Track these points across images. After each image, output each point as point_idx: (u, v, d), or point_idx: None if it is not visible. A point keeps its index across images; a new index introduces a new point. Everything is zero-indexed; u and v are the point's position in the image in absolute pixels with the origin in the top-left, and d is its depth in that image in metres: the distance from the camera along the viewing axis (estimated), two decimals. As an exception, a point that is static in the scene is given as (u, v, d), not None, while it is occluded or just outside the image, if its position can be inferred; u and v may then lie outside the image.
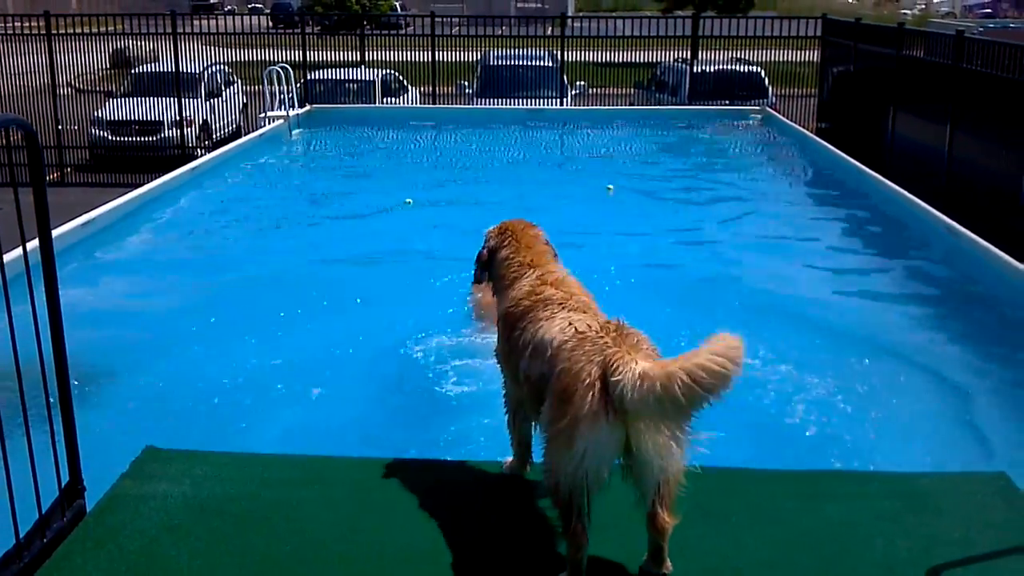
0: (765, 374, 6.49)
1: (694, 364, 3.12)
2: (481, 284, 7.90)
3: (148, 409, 6.00)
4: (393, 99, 20.81)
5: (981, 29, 30.31)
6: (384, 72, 21.09)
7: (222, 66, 22.08)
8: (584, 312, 3.79)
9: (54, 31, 18.71)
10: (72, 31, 19.56)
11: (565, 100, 19.65)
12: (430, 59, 20.04)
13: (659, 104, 20.50)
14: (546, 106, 19.07)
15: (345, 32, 24.63)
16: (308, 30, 21.55)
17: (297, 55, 20.07)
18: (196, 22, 22.55)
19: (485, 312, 7.31)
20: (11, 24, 19.41)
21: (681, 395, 3.10)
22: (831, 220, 11.36)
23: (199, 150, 18.67)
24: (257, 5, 51.83)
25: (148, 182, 11.78)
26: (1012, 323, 7.75)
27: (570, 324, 3.65)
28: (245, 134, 17.17)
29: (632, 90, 22.50)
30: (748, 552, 3.71)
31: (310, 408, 6.14)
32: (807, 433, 5.77)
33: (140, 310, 7.95)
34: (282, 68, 16.44)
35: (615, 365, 3.24)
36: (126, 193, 11.04)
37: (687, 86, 19.67)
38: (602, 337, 3.42)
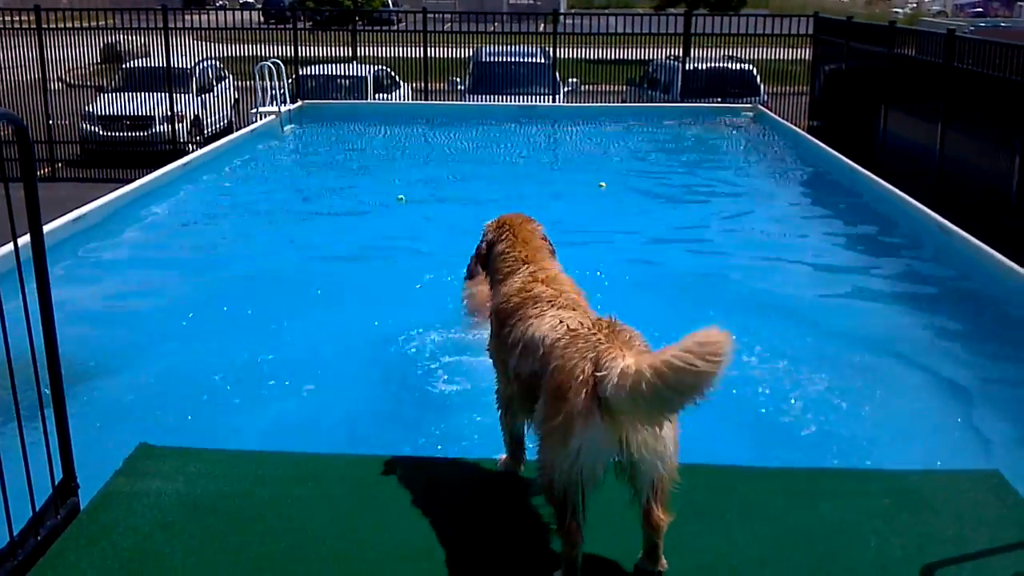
0: (757, 372, 6.50)
1: (660, 361, 3.06)
2: (474, 279, 7.91)
3: (141, 406, 5.99)
4: (385, 95, 20.77)
5: (972, 28, 30.40)
6: (376, 68, 21.05)
7: (213, 61, 22.01)
8: (574, 310, 3.78)
9: (45, 26, 18.63)
10: (63, 26, 19.45)
11: (557, 97, 19.65)
12: (422, 55, 20.01)
13: (651, 101, 20.50)
14: (538, 103, 19.06)
15: (337, 28, 24.59)
16: (300, 26, 21.52)
17: (289, 51, 20.02)
18: (188, 17, 22.46)
19: (478, 308, 7.31)
20: (1, 18, 19.31)
21: (649, 392, 3.05)
22: (822, 218, 11.38)
23: (190, 145, 18.64)
24: (249, 0, 51.67)
25: (139, 177, 11.74)
26: (1004, 321, 7.78)
27: (561, 322, 3.64)
28: (236, 130, 17.12)
29: (624, 87, 22.49)
30: (742, 550, 3.72)
31: (303, 405, 6.13)
32: (800, 431, 5.78)
33: (132, 306, 7.93)
34: (274, 64, 16.39)
35: (604, 362, 3.24)
36: (117, 188, 11.00)
37: (679, 84, 19.67)
38: (595, 334, 3.42)
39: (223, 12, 22.51)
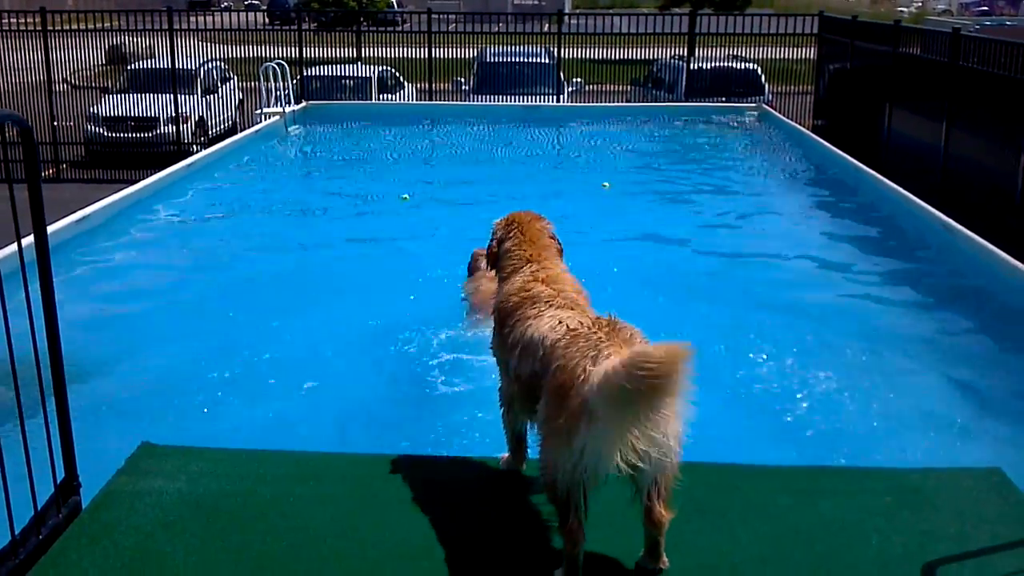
0: (761, 369, 6.51)
1: (610, 367, 3.11)
2: (474, 276, 7.95)
3: (143, 405, 6.00)
4: (389, 96, 20.79)
5: (977, 27, 30.32)
6: (380, 69, 21.06)
7: (218, 62, 22.04)
8: (572, 309, 3.79)
9: (50, 27, 18.67)
10: (68, 27, 19.49)
11: (562, 97, 19.65)
12: (426, 56, 20.02)
13: (656, 101, 20.49)
14: (543, 103, 19.06)
15: (341, 28, 24.63)
16: (304, 26, 21.53)
17: (293, 51, 20.04)
18: (192, 18, 22.50)
19: (480, 305, 7.32)
20: (7, 20, 19.37)
21: (617, 393, 3.08)
22: (827, 217, 11.37)
23: (195, 146, 18.65)
24: (253, 2, 51.74)
25: (144, 178, 11.76)
26: (1007, 319, 7.76)
27: (560, 322, 3.65)
28: (241, 130, 17.15)
29: (629, 87, 22.48)
30: (743, 548, 3.72)
31: (304, 403, 6.13)
32: (802, 428, 5.77)
33: (134, 306, 7.94)
34: (278, 64, 16.42)
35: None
36: (122, 189, 11.02)
37: (684, 83, 19.67)
38: (595, 333, 3.42)
39: (227, 13, 22.55)
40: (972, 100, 12.24)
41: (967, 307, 8.16)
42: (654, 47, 20.90)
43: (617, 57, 22.37)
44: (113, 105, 19.84)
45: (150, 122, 19.62)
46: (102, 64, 21.06)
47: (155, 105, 19.43)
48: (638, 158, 15.21)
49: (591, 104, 20.34)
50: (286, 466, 4.35)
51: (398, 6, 41.53)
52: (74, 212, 9.52)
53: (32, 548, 3.58)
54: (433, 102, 19.93)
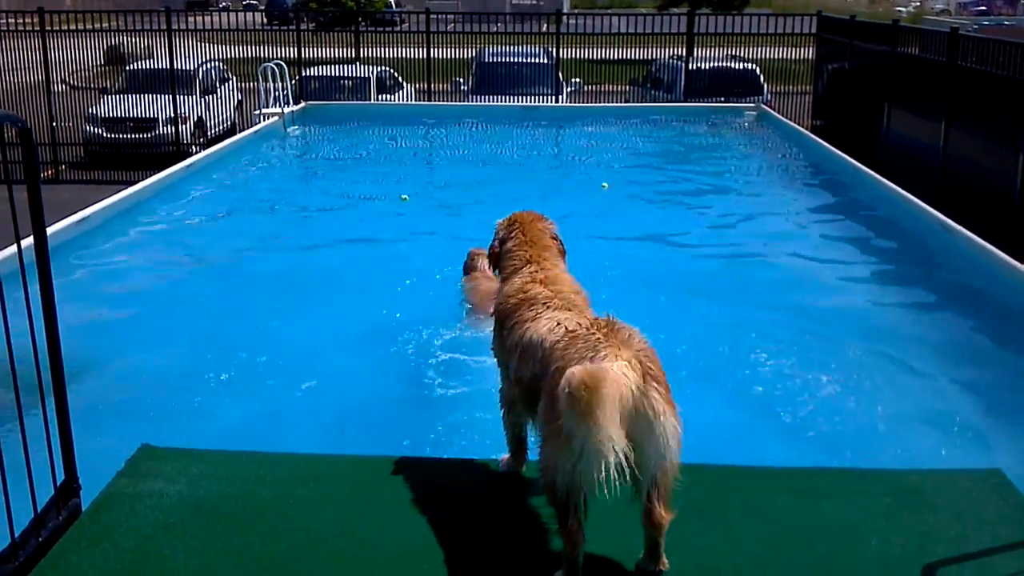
0: (760, 370, 6.51)
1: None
2: (471, 275, 7.96)
3: (143, 407, 5.99)
4: (388, 96, 20.78)
5: (976, 27, 30.36)
6: (379, 69, 21.06)
7: (217, 63, 22.03)
8: (569, 310, 3.79)
9: (48, 28, 18.66)
10: (66, 28, 19.48)
11: (560, 97, 19.64)
12: (425, 56, 20.01)
13: (655, 101, 20.49)
14: (541, 103, 19.06)
15: (340, 29, 24.61)
16: (303, 27, 21.52)
17: (292, 52, 20.04)
18: (191, 19, 22.51)
19: (478, 304, 7.33)
20: (5, 20, 19.35)
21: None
22: (825, 217, 11.37)
23: (194, 147, 18.66)
24: (252, 2, 51.73)
25: (143, 179, 11.76)
26: (1006, 320, 7.76)
27: (558, 324, 3.65)
28: (240, 131, 17.14)
29: (627, 87, 22.48)
30: (743, 549, 3.72)
31: (304, 404, 6.13)
32: (801, 429, 5.78)
33: (135, 307, 7.94)
34: (277, 65, 16.42)
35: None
36: (121, 190, 11.02)
37: (682, 83, 19.66)
38: (594, 334, 3.42)
39: (226, 14, 22.53)
40: (971, 100, 12.24)
41: (966, 307, 8.16)
42: (653, 47, 20.88)
43: (616, 57, 22.36)
44: (112, 106, 19.83)
45: (149, 123, 19.61)
46: (101, 65, 21.06)
47: (154, 106, 19.42)
48: (637, 158, 15.21)
49: (590, 104, 20.34)
50: (286, 468, 4.36)
51: (396, 6, 41.55)
52: (73, 213, 9.51)
53: (32, 550, 3.58)
54: (432, 102, 19.92)
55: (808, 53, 19.92)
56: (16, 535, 3.50)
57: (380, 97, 20.36)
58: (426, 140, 16.85)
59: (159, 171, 12.01)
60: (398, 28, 25.24)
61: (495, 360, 4.28)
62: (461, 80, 20.67)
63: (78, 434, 3.93)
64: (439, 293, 7.96)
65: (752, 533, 3.82)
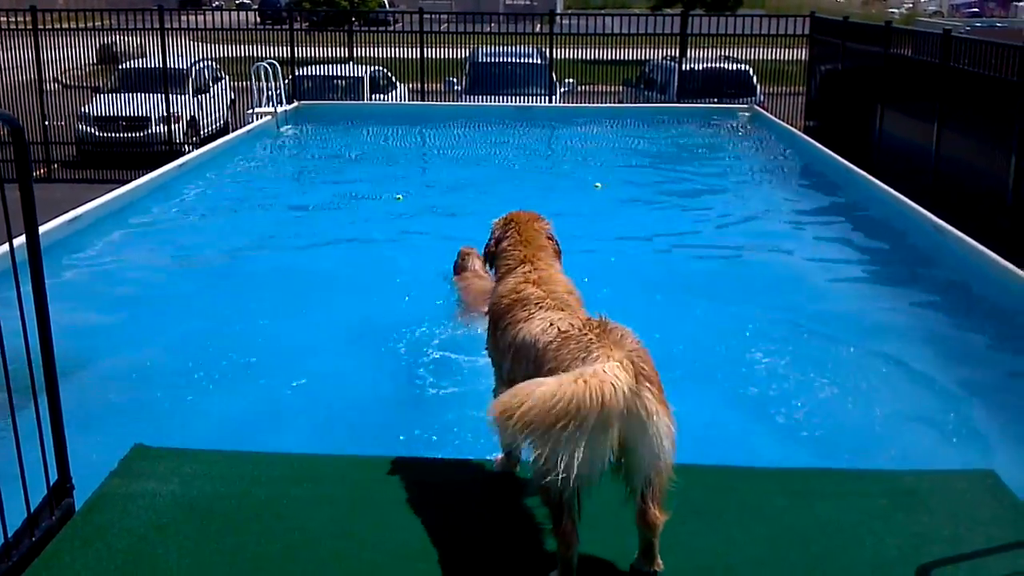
0: (755, 371, 6.52)
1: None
2: (461, 275, 7.96)
3: (136, 407, 5.98)
4: (381, 96, 20.76)
5: (968, 28, 30.41)
6: (372, 69, 21.03)
7: (210, 62, 21.98)
8: (562, 311, 3.79)
9: (40, 26, 18.60)
10: (59, 26, 19.42)
11: (554, 97, 19.65)
12: (419, 56, 19.99)
13: (648, 102, 20.50)
14: (535, 103, 19.06)
15: (333, 28, 24.58)
16: (296, 26, 21.48)
17: (285, 51, 19.99)
18: (184, 18, 22.42)
19: (471, 303, 7.33)
20: (-3, 19, 19.30)
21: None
22: (818, 217, 11.39)
23: (187, 146, 18.61)
24: (245, 1, 51.63)
25: (136, 178, 11.73)
26: (999, 321, 7.79)
27: (551, 324, 3.65)
28: (233, 130, 17.11)
29: (621, 88, 22.50)
30: (739, 549, 3.72)
31: (298, 404, 6.12)
32: (796, 430, 5.79)
33: (128, 306, 7.92)
34: (269, 64, 16.38)
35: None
36: (114, 189, 10.99)
37: (675, 84, 19.67)
38: (586, 334, 3.42)
39: (219, 13, 22.49)
40: (963, 101, 12.27)
41: (959, 309, 8.19)
42: (646, 48, 20.89)
43: (609, 58, 22.36)
44: (104, 105, 19.77)
45: (141, 122, 19.56)
46: (93, 63, 20.99)
47: (146, 105, 19.36)
48: (630, 158, 15.23)
49: (583, 105, 20.34)
50: (280, 468, 4.34)
51: (390, 6, 41.53)
52: (66, 212, 9.48)
53: (25, 550, 3.56)
54: (425, 102, 19.90)
55: (801, 54, 19.95)
56: (9, 535, 3.48)
57: (373, 97, 20.34)
58: (419, 140, 16.84)
59: (152, 170, 11.99)
60: (391, 28, 25.22)
61: (489, 359, 4.27)
62: (455, 80, 20.67)
63: (71, 434, 3.91)
64: (432, 292, 7.95)
65: (748, 534, 3.82)
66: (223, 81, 22.25)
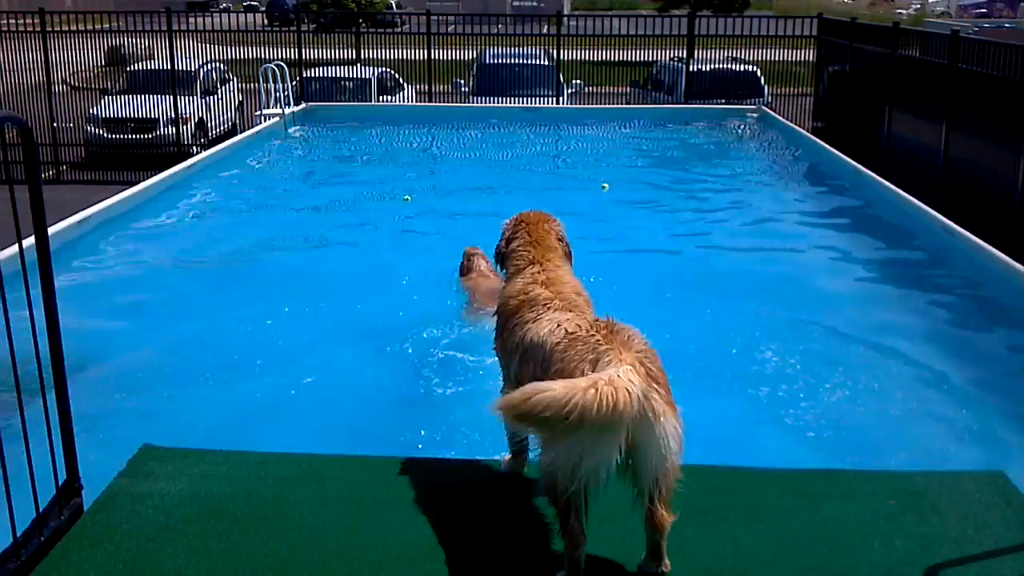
0: (763, 371, 6.51)
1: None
2: (467, 276, 7.97)
3: (145, 407, 5.99)
4: (389, 97, 20.78)
5: (976, 29, 30.36)
6: (380, 70, 21.06)
7: (218, 64, 22.03)
8: (569, 312, 3.78)
9: (49, 28, 18.65)
10: (67, 28, 19.48)
11: (561, 99, 19.64)
12: (426, 57, 20.02)
13: (655, 103, 20.48)
14: (542, 105, 19.06)
15: (341, 30, 24.59)
16: (304, 28, 21.52)
17: (293, 53, 20.02)
18: (191, 19, 22.48)
19: (477, 301, 7.33)
20: (6, 21, 19.34)
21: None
22: (826, 218, 11.37)
23: (195, 148, 18.64)
24: (252, 3, 51.76)
25: (144, 180, 11.76)
26: (1009, 322, 7.77)
27: (559, 325, 3.65)
28: (241, 132, 17.14)
29: (628, 89, 22.48)
30: (746, 551, 3.71)
31: (303, 404, 6.13)
32: (804, 431, 5.78)
33: (136, 307, 7.94)
34: (277, 66, 16.42)
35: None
36: (122, 191, 11.02)
37: (683, 85, 19.65)
38: (593, 336, 3.42)
39: (227, 15, 22.53)
40: (972, 102, 12.24)
41: (968, 309, 8.17)
42: (654, 49, 20.89)
43: (617, 59, 22.35)
44: (113, 106, 19.82)
45: (150, 123, 19.60)
46: (101, 65, 21.05)
47: (155, 106, 19.41)
48: (637, 159, 15.22)
49: (590, 106, 20.34)
50: (288, 468, 4.35)
51: (397, 8, 41.57)
52: (75, 213, 9.51)
53: (34, 550, 3.57)
54: (432, 104, 19.92)
55: (809, 55, 19.91)
56: (18, 534, 3.49)
57: (381, 98, 20.36)
58: (427, 141, 16.85)
59: (160, 172, 12.01)
60: (399, 29, 25.23)
61: (496, 359, 4.27)
62: (462, 81, 20.68)
63: (80, 434, 3.93)
64: (438, 293, 7.96)
65: (755, 535, 3.81)
66: (231, 83, 22.30)
